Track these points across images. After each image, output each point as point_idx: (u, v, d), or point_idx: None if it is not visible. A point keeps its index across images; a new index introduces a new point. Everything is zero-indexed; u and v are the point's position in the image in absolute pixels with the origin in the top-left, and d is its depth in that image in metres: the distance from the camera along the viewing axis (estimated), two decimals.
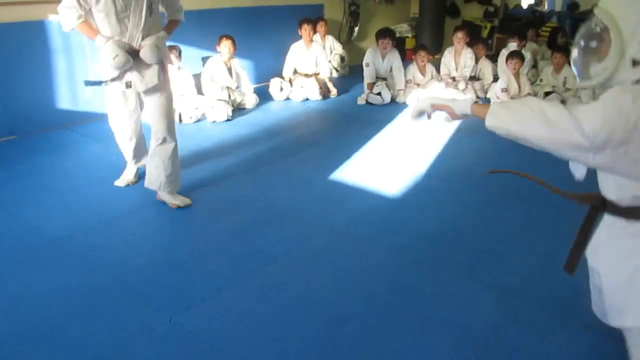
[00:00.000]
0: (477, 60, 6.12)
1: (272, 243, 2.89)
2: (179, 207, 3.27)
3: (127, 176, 3.66)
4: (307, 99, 5.92)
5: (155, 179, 3.26)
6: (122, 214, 3.25)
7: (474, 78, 6.12)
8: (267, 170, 3.97)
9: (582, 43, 1.53)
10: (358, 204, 3.38)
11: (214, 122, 5.08)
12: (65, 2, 2.90)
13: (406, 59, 7.46)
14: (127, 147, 3.58)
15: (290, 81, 6.00)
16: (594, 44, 1.49)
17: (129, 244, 2.90)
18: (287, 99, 5.94)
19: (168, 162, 3.23)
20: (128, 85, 3.14)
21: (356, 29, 7.79)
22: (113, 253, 2.81)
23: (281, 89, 5.89)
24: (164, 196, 3.31)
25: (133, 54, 3.01)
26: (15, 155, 4.22)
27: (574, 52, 1.57)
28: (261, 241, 2.92)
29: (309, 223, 3.12)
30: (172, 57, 5.11)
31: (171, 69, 5.12)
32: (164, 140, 3.22)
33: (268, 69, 6.31)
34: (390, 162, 4.10)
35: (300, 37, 6.01)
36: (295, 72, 6.07)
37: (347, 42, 7.71)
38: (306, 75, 5.99)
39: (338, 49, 7.14)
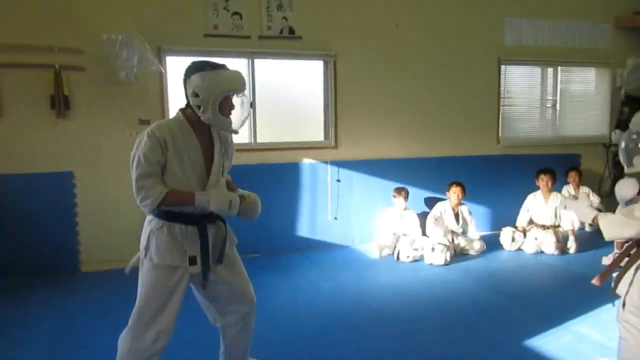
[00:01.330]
0: None
1: None
2: None
3: None
4: (542, 252, 5.42)
5: (245, 350, 2.77)
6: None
7: None
8: (463, 323, 3.73)
9: (623, 144, 2.30)
10: None
11: (431, 264, 5.08)
12: (139, 178, 2.29)
13: None
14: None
15: (524, 231, 5.63)
16: (632, 144, 2.27)
17: None
18: (519, 249, 5.56)
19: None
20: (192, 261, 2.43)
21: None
22: None
23: (513, 239, 5.56)
24: None
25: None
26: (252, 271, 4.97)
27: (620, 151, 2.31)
28: None
29: None
30: (401, 198, 5.48)
31: (398, 208, 5.50)
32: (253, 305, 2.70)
33: (501, 217, 6.07)
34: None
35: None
36: (530, 222, 5.70)
37: (608, 194, 6.89)
38: (543, 227, 5.55)
39: (595, 201, 6.45)
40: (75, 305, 4.12)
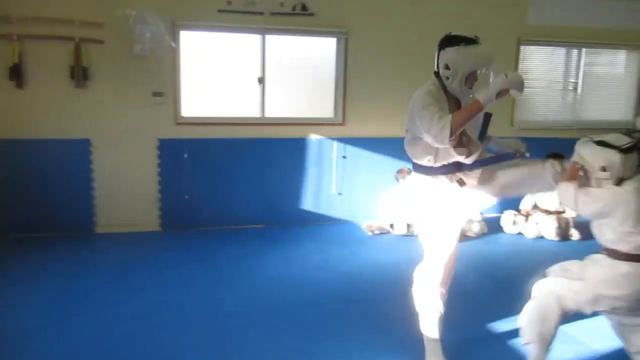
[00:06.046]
0: None
1: None
2: None
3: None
4: (542, 237, 5.42)
5: None
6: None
7: None
8: None
9: None
10: None
11: None
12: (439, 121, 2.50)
13: None
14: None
15: (527, 215, 5.61)
16: None
17: None
18: (520, 233, 5.56)
19: None
20: None
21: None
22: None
23: (514, 222, 5.57)
24: None
25: None
26: (252, 240, 5.24)
27: None
28: None
29: None
30: (405, 178, 5.56)
31: (402, 187, 5.59)
32: None
33: (511, 200, 6.03)
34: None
35: None
36: (535, 206, 5.66)
37: None
38: (547, 212, 5.51)
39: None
40: (83, 263, 4.52)
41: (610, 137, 2.62)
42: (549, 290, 2.75)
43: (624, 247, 2.60)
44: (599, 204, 2.61)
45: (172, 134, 5.36)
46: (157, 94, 5.28)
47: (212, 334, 3.35)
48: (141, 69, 5.18)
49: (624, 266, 2.59)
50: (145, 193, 5.40)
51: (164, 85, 5.29)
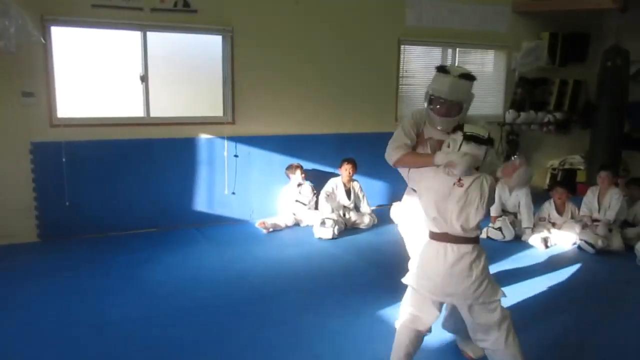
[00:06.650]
0: (633, 203, 5.24)
1: None
2: None
3: None
4: None
5: None
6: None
7: (627, 224, 5.20)
8: (332, 295, 3.96)
9: None
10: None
11: (320, 238, 5.27)
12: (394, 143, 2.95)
13: (577, 194, 6.84)
14: None
15: None
16: None
17: None
18: None
19: None
20: None
21: (513, 157, 7.38)
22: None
23: None
24: None
25: None
26: (144, 245, 5.02)
27: None
28: None
29: None
30: (296, 173, 5.63)
31: (293, 183, 5.65)
32: None
33: (393, 192, 6.34)
34: None
35: None
36: None
37: None
38: None
39: None
40: None
41: (471, 126, 2.62)
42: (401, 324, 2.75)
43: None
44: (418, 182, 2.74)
45: (46, 137, 4.96)
46: (27, 94, 4.88)
47: (95, 346, 3.15)
48: (7, 66, 4.76)
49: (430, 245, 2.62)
50: (18, 201, 4.95)
51: (35, 85, 4.90)
